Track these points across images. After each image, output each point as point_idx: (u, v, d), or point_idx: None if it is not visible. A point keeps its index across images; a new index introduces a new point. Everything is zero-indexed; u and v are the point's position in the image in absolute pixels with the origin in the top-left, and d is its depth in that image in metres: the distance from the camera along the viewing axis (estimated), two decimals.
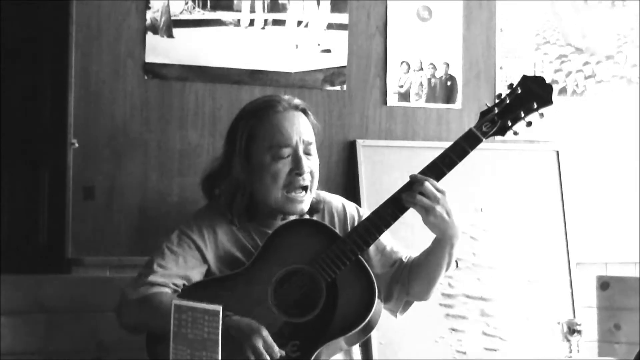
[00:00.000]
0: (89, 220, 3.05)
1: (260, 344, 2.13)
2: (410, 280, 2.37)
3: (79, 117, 3.05)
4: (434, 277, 2.35)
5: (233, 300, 2.21)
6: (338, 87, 3.34)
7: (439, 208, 2.23)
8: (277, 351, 2.15)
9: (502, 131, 2.31)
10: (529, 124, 2.32)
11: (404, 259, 2.41)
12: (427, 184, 2.22)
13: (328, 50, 3.32)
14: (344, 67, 3.34)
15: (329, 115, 3.33)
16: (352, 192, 3.27)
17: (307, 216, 2.43)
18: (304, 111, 2.39)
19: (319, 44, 3.31)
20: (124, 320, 2.34)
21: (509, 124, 2.30)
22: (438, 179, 2.26)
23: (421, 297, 2.41)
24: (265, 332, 2.15)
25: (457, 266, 3.34)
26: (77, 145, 3.03)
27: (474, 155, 3.24)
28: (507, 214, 3.44)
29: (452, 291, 3.34)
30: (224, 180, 2.38)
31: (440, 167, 2.26)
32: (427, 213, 2.23)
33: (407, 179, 2.28)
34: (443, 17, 3.48)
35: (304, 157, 2.33)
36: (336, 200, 2.50)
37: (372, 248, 2.41)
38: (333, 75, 3.33)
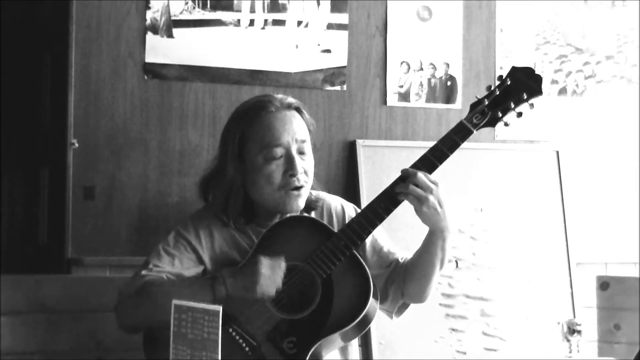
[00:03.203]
0: (89, 220, 3.05)
1: (268, 270, 2.19)
2: (405, 280, 2.36)
3: (79, 117, 3.05)
4: (427, 275, 2.34)
5: (229, 299, 2.20)
6: (338, 87, 3.34)
7: (431, 198, 2.22)
8: (283, 266, 2.21)
9: (493, 122, 2.30)
10: (520, 114, 2.32)
11: (400, 260, 2.41)
12: (420, 174, 2.23)
13: (328, 50, 3.32)
14: (344, 67, 3.35)
15: (329, 115, 3.33)
16: (352, 192, 3.27)
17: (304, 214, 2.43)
18: (298, 109, 2.38)
19: (319, 44, 3.31)
20: (121, 318, 2.34)
21: (499, 115, 2.30)
22: (430, 172, 2.25)
23: (416, 299, 2.40)
24: (263, 258, 2.20)
25: (457, 266, 3.36)
26: (77, 145, 3.03)
27: (474, 156, 3.25)
28: (507, 214, 3.44)
29: (452, 291, 3.34)
30: (218, 183, 2.38)
31: (431, 160, 2.26)
32: (420, 203, 2.22)
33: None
34: (443, 17, 3.48)
35: (297, 157, 2.32)
36: (335, 201, 2.50)
37: (368, 248, 2.41)
38: (333, 75, 3.33)
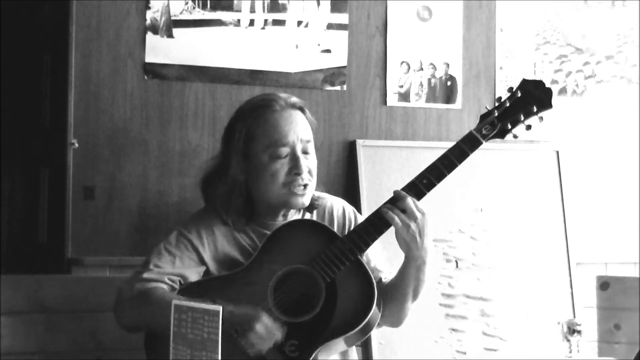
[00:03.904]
0: (89, 220, 3.05)
1: (262, 330, 2.15)
2: (380, 303, 2.35)
3: (79, 117, 3.05)
4: (400, 302, 2.34)
5: (232, 300, 2.21)
6: (338, 87, 3.34)
7: (412, 226, 2.23)
8: (280, 334, 2.18)
9: (502, 134, 2.32)
10: (529, 127, 2.34)
11: (383, 280, 2.41)
12: (409, 199, 2.24)
13: (328, 50, 3.32)
14: (344, 67, 3.35)
15: (329, 115, 3.33)
16: (352, 192, 3.27)
17: (307, 215, 2.43)
18: (302, 109, 2.39)
19: (319, 44, 3.31)
20: (121, 318, 2.34)
21: (509, 127, 2.31)
22: (438, 180, 2.26)
23: (389, 322, 2.40)
24: (265, 316, 2.17)
25: (457, 266, 3.36)
26: (77, 145, 3.03)
27: (474, 156, 3.25)
28: (507, 214, 3.44)
29: (452, 291, 3.34)
30: (221, 180, 2.38)
31: (440, 169, 2.27)
32: (401, 228, 2.23)
33: (407, 179, 2.30)
34: (443, 17, 3.48)
35: (302, 157, 2.33)
36: (337, 203, 2.50)
37: None
38: (333, 75, 3.33)
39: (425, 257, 2.28)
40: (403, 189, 2.27)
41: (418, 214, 2.24)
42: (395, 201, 2.25)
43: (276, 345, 2.20)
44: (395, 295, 2.34)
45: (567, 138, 3.60)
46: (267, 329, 2.18)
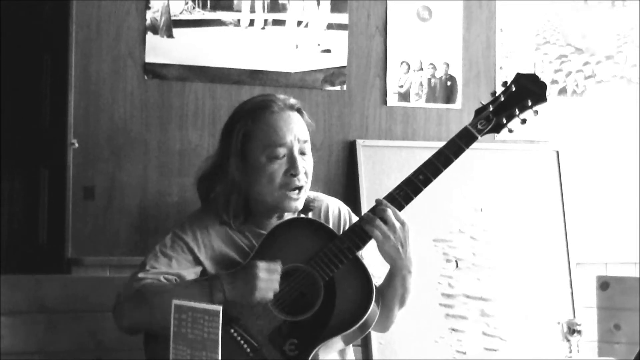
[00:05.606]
0: (89, 220, 3.05)
1: (265, 274, 2.18)
2: None
3: (79, 117, 3.05)
4: (387, 309, 2.34)
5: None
6: (338, 87, 3.34)
7: (393, 237, 2.23)
8: (279, 269, 2.21)
9: (497, 129, 2.31)
10: (524, 121, 2.32)
11: (375, 285, 2.41)
12: (389, 211, 2.24)
13: (328, 50, 3.32)
14: (344, 67, 3.35)
15: (329, 115, 3.33)
16: (352, 192, 3.27)
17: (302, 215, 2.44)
18: (299, 110, 2.40)
19: (319, 44, 3.31)
20: (120, 319, 2.33)
21: (504, 121, 2.30)
22: (434, 176, 2.26)
23: (376, 327, 2.39)
24: (260, 262, 2.20)
25: (457, 266, 3.36)
26: (77, 145, 3.03)
27: (474, 156, 3.25)
28: (507, 214, 3.44)
29: (452, 291, 3.34)
30: (220, 181, 2.38)
31: (436, 165, 2.27)
32: (382, 240, 2.24)
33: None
34: (443, 17, 3.48)
35: (299, 158, 2.33)
36: (333, 203, 2.50)
37: None
38: (333, 75, 3.33)
39: (410, 267, 2.28)
40: (399, 185, 2.27)
41: (398, 225, 2.24)
42: (376, 209, 2.25)
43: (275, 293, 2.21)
44: (382, 303, 2.34)
45: (567, 138, 3.60)
46: (268, 270, 2.19)
